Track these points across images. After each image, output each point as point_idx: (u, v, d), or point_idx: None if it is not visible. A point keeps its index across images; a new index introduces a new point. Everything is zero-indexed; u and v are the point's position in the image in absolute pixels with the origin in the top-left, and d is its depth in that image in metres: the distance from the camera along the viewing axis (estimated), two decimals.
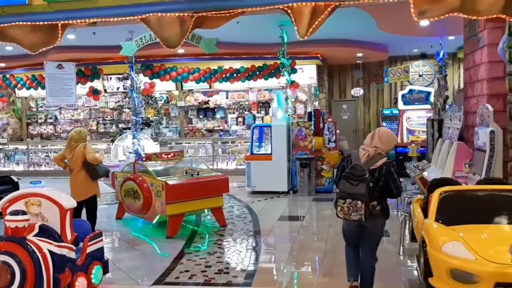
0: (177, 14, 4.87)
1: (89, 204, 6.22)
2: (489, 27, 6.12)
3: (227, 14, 4.68)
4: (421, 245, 3.90)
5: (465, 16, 4.46)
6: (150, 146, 10.46)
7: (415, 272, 4.58)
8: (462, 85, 13.11)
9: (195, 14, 4.78)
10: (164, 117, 14.40)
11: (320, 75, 14.66)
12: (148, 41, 8.42)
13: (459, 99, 8.03)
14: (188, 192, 6.37)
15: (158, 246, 5.96)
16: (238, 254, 5.55)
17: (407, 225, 5.46)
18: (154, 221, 6.60)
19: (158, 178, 6.48)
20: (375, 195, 3.64)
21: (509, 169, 5.03)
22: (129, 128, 12.18)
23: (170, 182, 6.28)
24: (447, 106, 8.62)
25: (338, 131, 13.79)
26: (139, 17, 4.97)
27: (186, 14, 4.83)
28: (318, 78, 14.30)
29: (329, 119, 14.23)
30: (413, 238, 4.88)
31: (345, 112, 16.57)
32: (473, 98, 6.71)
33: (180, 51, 12.08)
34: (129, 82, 11.13)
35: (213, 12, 4.70)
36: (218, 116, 14.52)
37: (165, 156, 7.16)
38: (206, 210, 6.97)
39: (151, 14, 4.94)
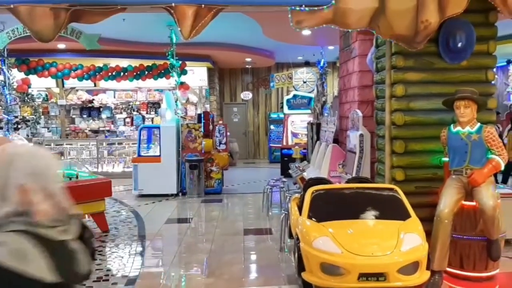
0: (50, 6, 4.54)
1: None
2: (360, 39, 6.71)
3: (106, 10, 4.49)
4: (296, 241, 4.13)
5: (338, 28, 4.81)
6: None
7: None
8: None
9: (70, 7, 4.50)
10: (42, 116, 13.31)
11: (211, 78, 14.78)
12: (22, 34, 7.71)
13: (335, 105, 8.67)
14: None
15: None
16: (120, 260, 5.35)
17: (288, 223, 5.73)
18: None
19: None
20: None
21: (376, 168, 5.54)
22: (1, 128, 11.06)
23: None
24: (324, 111, 9.28)
25: (228, 133, 14.09)
26: (7, 6, 4.53)
27: (60, 7, 4.52)
28: (209, 81, 14.41)
29: (220, 122, 14.46)
30: (291, 235, 5.14)
31: (236, 114, 16.90)
32: (346, 104, 7.29)
33: (61, 46, 11.28)
34: (0, 77, 10.10)
35: (90, 7, 4.47)
36: (104, 116, 13.83)
37: None
38: (86, 216, 6.60)
39: (21, 4, 4.54)
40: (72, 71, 11.96)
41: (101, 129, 13.70)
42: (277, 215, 7.51)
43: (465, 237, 4.24)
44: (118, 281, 4.68)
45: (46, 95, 13.64)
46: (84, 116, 13.85)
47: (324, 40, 10.65)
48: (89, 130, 13.62)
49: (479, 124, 4.29)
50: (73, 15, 4.60)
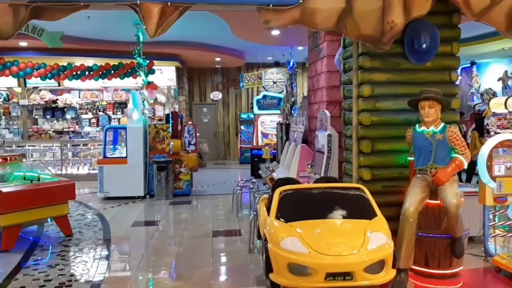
0: (9, 2, 4.36)
1: None
2: (328, 40, 6.75)
3: (68, 7, 4.34)
4: (263, 242, 4.09)
5: (306, 27, 4.82)
6: None
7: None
8: None
9: (30, 4, 4.33)
10: (3, 117, 12.85)
11: (180, 78, 14.63)
12: None
13: (304, 105, 8.72)
14: (26, 200, 5.75)
15: None
16: (84, 265, 5.18)
17: (256, 224, 5.69)
18: None
19: None
20: None
21: (344, 168, 5.58)
22: None
23: (3, 190, 5.60)
24: (294, 111, 9.32)
25: (198, 134, 13.96)
26: None
27: (20, 3, 4.35)
28: (177, 80, 14.26)
29: (189, 122, 14.30)
30: (260, 236, 5.10)
31: (206, 115, 16.78)
32: (315, 104, 7.33)
33: (23, 44, 10.92)
34: None
35: (51, 3, 4.32)
36: (68, 116, 13.47)
37: None
38: (49, 219, 6.39)
39: None
40: (35, 70, 11.57)
41: (65, 130, 13.36)
42: (247, 216, 7.46)
43: (430, 235, 4.30)
44: (81, 286, 4.53)
45: (7, 95, 13.19)
46: (48, 116, 13.47)
47: (294, 40, 10.69)
48: (52, 131, 13.25)
49: (443, 124, 4.37)
50: (33, 11, 4.45)
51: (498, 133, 8.09)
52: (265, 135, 13.68)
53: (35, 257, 5.46)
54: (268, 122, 13.70)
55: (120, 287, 4.60)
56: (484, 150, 4.82)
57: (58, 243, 6.04)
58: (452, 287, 4.22)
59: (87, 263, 5.23)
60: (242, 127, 15.48)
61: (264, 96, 13.89)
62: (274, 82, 13.68)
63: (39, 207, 5.90)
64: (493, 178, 4.76)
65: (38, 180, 6.12)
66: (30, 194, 5.83)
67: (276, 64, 14.87)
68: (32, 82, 12.42)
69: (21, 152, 10.98)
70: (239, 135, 15.74)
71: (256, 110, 14.00)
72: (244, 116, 15.64)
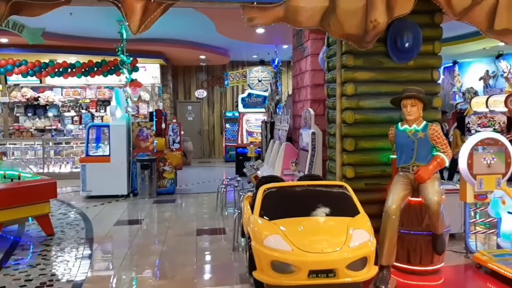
0: None
1: None
2: (312, 38, 6.77)
3: (48, 3, 4.26)
4: (247, 240, 4.09)
5: (290, 26, 4.81)
6: None
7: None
8: None
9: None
10: None
11: (164, 75, 14.53)
12: None
13: (289, 104, 8.73)
14: (6, 199, 5.64)
15: None
16: (65, 265, 5.11)
17: (241, 222, 5.68)
18: None
19: None
20: None
21: (328, 166, 5.61)
22: None
23: None
24: (278, 110, 9.34)
25: (182, 132, 13.90)
26: None
27: None
28: (162, 78, 14.16)
29: (174, 120, 14.23)
30: (244, 234, 5.09)
31: (190, 113, 16.70)
32: (299, 103, 7.35)
33: (3, 40, 10.72)
34: None
35: None
36: (50, 114, 13.27)
37: None
38: (30, 219, 6.29)
39: None
40: (16, 67, 11.33)
41: (47, 128, 13.17)
42: (231, 214, 7.45)
43: (411, 232, 4.35)
44: (63, 286, 4.47)
45: None
46: (29, 114, 13.26)
47: (278, 38, 10.70)
48: (34, 129, 13.05)
49: (425, 122, 4.42)
50: (13, 7, 4.36)
51: (479, 131, 8.22)
52: (250, 133, 13.70)
53: (15, 256, 5.38)
54: (253, 120, 13.73)
55: (102, 287, 4.54)
56: (465, 148, 4.88)
57: (39, 242, 5.96)
58: (434, 283, 4.28)
59: (69, 263, 5.16)
60: (227, 125, 15.45)
61: (249, 94, 13.91)
62: (259, 81, 13.70)
63: (19, 206, 5.81)
64: (474, 176, 4.83)
65: (19, 178, 6.02)
66: (10, 193, 5.74)
67: (261, 62, 14.87)
68: (13, 79, 12.23)
69: (1, 150, 10.80)
70: (224, 133, 15.70)
71: (241, 108, 14.01)
72: (229, 114, 15.62)
